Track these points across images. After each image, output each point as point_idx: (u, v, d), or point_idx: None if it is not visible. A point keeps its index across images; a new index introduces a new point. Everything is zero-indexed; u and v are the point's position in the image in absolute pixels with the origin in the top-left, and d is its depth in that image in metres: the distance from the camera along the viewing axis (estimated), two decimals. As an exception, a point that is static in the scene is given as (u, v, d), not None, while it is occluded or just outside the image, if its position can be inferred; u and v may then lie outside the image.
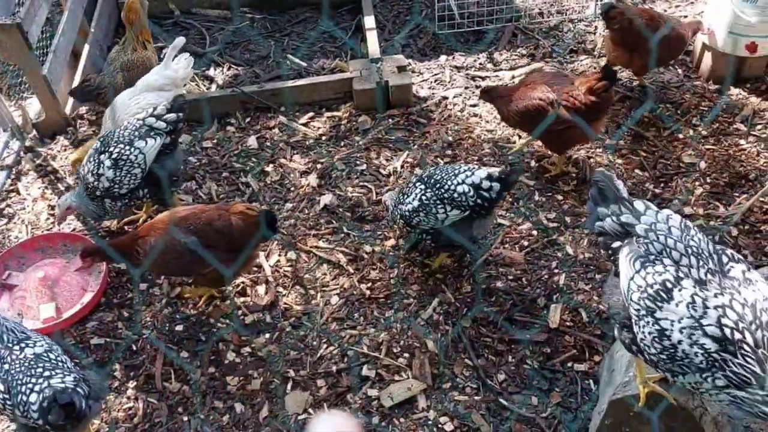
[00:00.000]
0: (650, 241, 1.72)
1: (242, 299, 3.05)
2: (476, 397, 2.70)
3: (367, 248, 3.24)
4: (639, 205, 1.79)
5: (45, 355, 2.23)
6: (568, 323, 2.91)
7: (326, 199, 3.45)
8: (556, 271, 3.12)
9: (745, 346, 1.52)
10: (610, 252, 1.83)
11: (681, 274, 1.66)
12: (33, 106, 3.97)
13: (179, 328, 2.94)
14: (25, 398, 2.11)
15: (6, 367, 2.17)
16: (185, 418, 2.64)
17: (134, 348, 2.87)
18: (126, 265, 2.87)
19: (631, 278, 1.76)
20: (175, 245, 2.65)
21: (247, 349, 2.87)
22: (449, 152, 3.71)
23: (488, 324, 2.93)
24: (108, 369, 2.79)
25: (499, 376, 2.77)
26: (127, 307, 3.00)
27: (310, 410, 2.65)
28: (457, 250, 3.06)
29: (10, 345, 2.23)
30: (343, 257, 3.20)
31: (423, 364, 2.79)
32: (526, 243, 3.24)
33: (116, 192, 2.96)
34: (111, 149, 2.94)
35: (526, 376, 2.77)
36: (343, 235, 3.30)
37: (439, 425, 2.61)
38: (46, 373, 2.16)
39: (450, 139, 3.77)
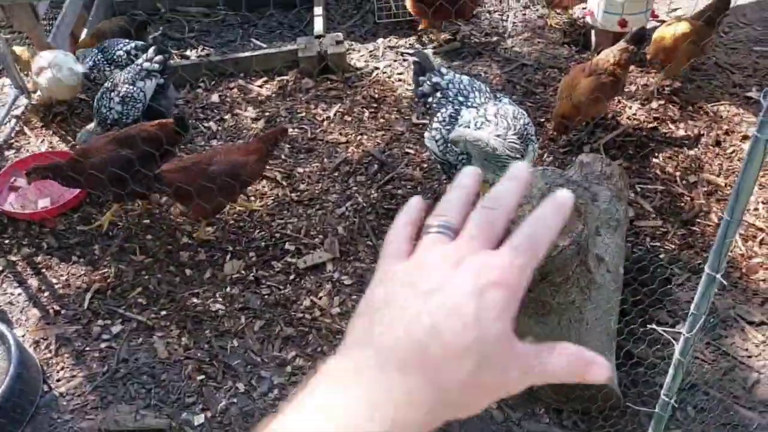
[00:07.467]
0: (449, 89, 2.59)
1: (197, 203, 3.88)
2: (372, 265, 3.50)
3: (300, 170, 4.08)
4: (443, 69, 2.66)
5: None
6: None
7: (270, 136, 4.31)
8: (445, 183, 3.94)
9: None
10: (426, 106, 2.69)
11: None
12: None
13: (147, 221, 3.77)
14: None
15: None
16: (146, 277, 3.44)
17: (110, 233, 3.70)
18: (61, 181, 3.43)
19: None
20: (116, 158, 3.28)
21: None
22: (374, 105, 4.58)
23: (388, 218, 3.75)
24: (90, 248, 3.62)
25: (392, 252, 3.57)
26: (104, 206, 3.85)
27: (243, 272, 3.46)
28: None
29: None
30: (279, 174, 4.03)
31: (333, 242, 3.60)
32: (425, 165, 4.08)
33: (123, 122, 3.83)
34: (119, 88, 3.83)
35: (414, 253, 3.57)
36: (280, 159, 4.15)
37: (341, 281, 3.41)
38: None
39: (376, 95, 4.65)
